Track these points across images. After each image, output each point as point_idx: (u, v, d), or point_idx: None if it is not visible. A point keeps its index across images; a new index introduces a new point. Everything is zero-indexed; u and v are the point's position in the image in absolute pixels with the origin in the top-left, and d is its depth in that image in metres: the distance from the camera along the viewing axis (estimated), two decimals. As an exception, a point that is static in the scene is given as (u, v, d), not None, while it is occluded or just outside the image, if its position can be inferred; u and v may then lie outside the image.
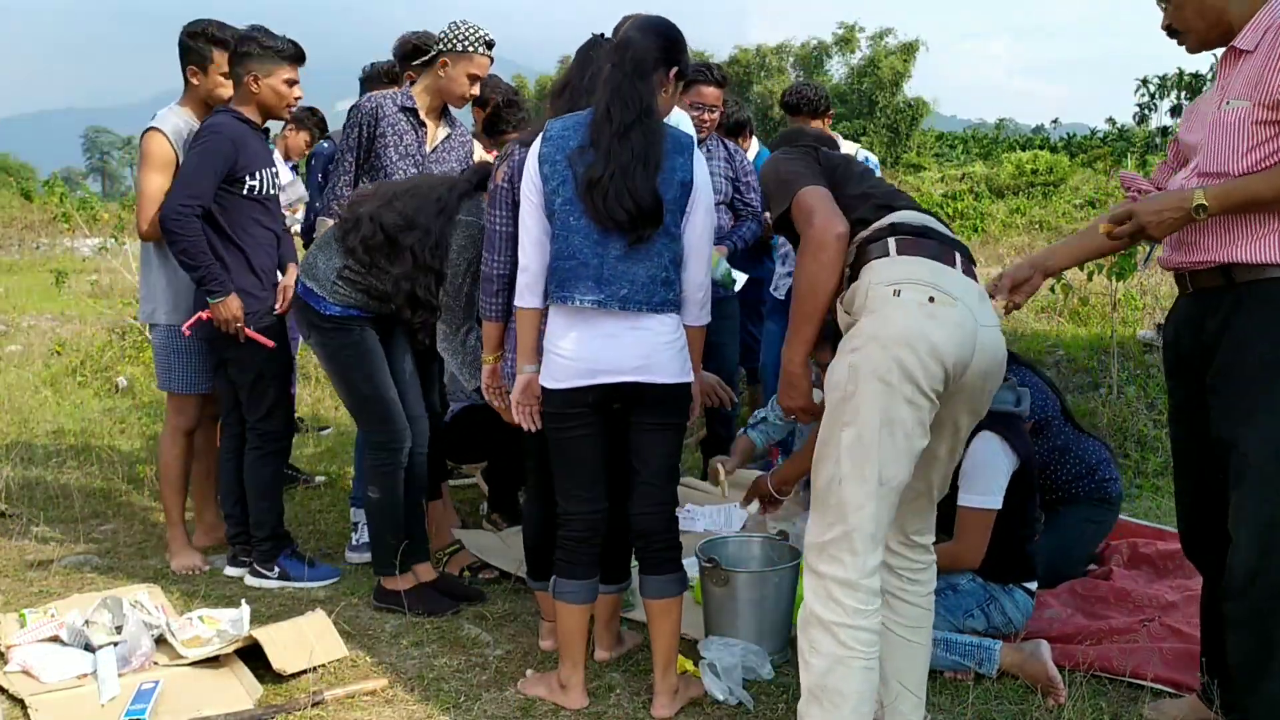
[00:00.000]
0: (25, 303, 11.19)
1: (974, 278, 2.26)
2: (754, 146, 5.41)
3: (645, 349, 2.61)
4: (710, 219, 2.72)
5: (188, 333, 3.54)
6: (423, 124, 3.76)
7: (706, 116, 4.49)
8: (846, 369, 2.13)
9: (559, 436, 2.72)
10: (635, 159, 2.54)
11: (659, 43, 2.64)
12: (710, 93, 4.48)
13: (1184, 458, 2.53)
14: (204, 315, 3.51)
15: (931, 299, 2.11)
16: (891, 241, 2.21)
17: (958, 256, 2.24)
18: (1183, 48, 2.42)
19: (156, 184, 3.65)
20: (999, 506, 2.97)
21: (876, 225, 2.27)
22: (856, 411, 2.10)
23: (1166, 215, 2.22)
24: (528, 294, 2.69)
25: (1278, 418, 2.19)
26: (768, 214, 2.64)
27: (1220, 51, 2.40)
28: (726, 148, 4.75)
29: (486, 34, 3.73)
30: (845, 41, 31.53)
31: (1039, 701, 2.72)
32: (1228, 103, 2.25)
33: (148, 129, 3.75)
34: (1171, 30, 2.38)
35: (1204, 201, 2.17)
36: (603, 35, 2.94)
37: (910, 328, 2.09)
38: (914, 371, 2.08)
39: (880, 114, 29.40)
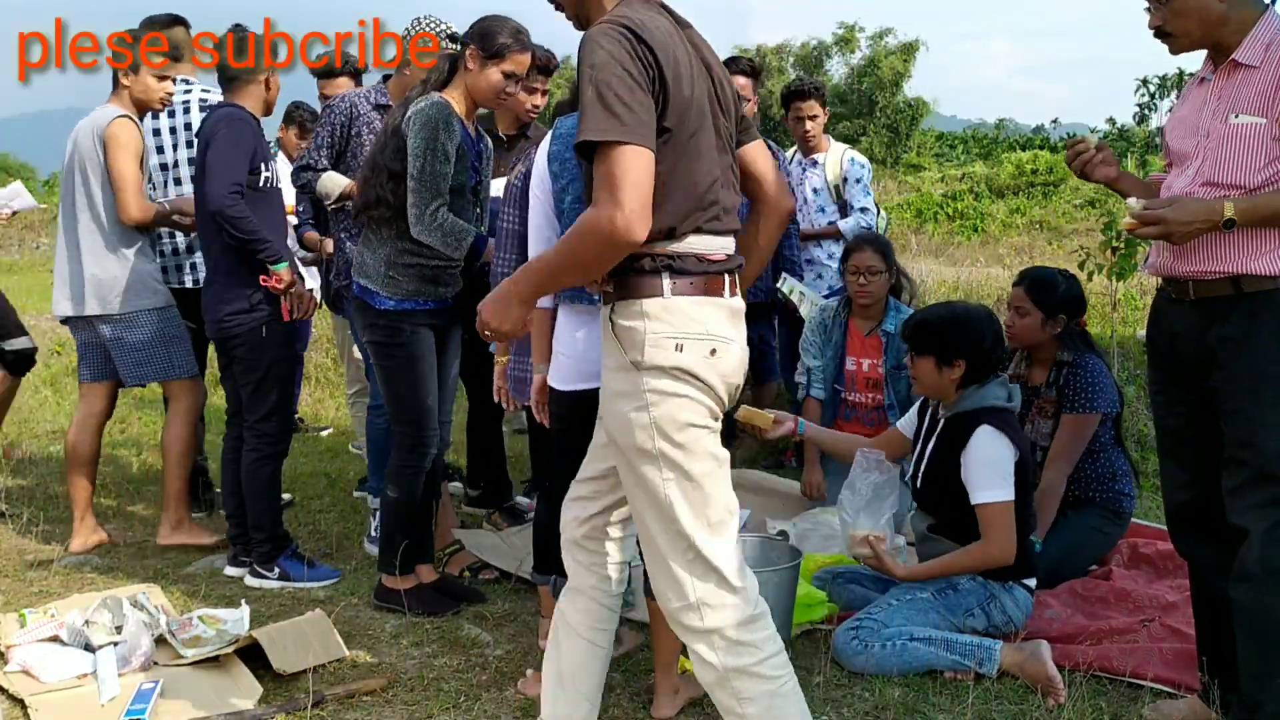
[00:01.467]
0: (25, 303, 11.15)
1: (737, 292, 2.10)
2: (829, 144, 5.17)
3: None
4: None
5: (269, 283, 3.53)
6: None
7: None
8: (649, 426, 1.99)
9: (566, 441, 2.72)
10: None
11: None
12: (740, 84, 4.41)
13: (1180, 455, 2.55)
14: (271, 282, 3.52)
15: (713, 350, 2.01)
16: (665, 281, 1.98)
17: (726, 280, 2.05)
18: (1167, 48, 2.44)
19: (134, 170, 3.84)
20: (1011, 497, 2.98)
21: (659, 250, 1.99)
22: (676, 464, 2.00)
23: (1195, 227, 2.27)
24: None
25: None
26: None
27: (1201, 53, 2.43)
28: (770, 147, 4.70)
29: (449, 27, 3.73)
30: (845, 41, 31.48)
31: (1039, 701, 2.72)
32: (1236, 116, 2.30)
33: (119, 116, 3.87)
34: (1161, 31, 2.40)
35: (1233, 216, 2.24)
36: None
37: (702, 380, 2.00)
38: (715, 410, 2.03)
39: (880, 114, 29.34)
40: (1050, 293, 3.55)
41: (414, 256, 3.24)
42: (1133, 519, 3.87)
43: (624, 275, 2.00)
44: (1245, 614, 2.33)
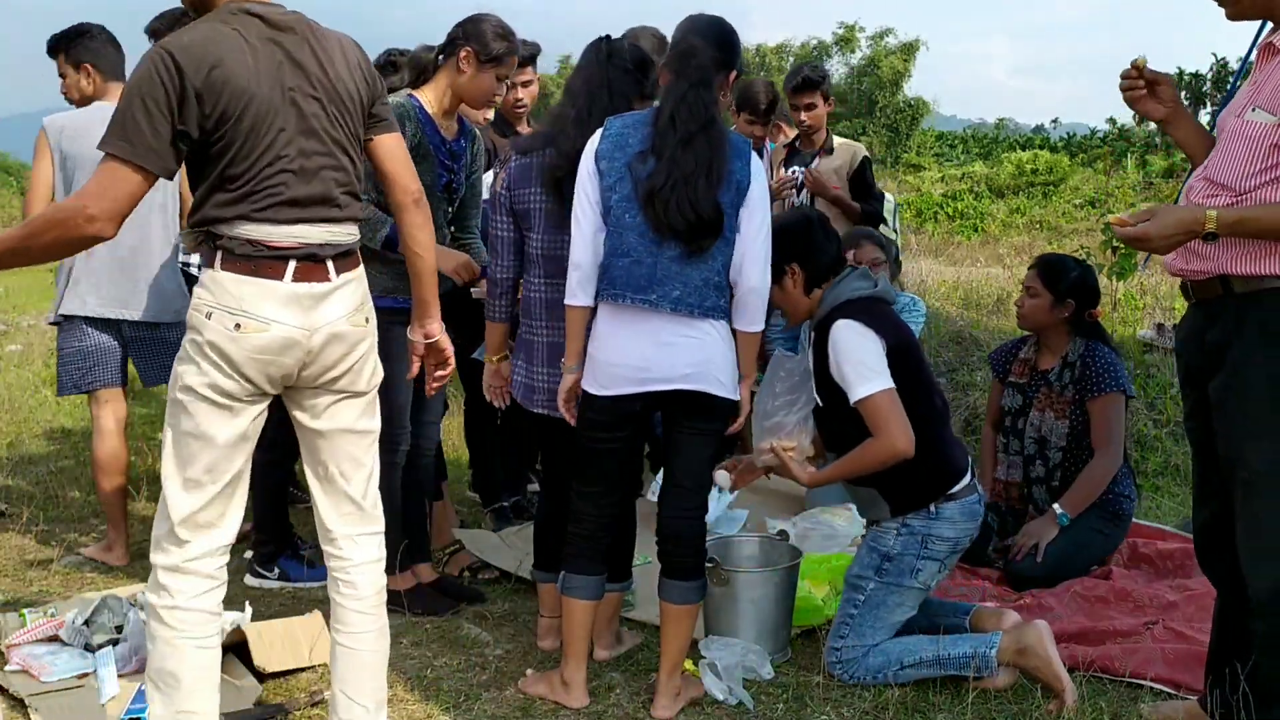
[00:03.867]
0: (25, 302, 11.19)
1: (325, 276, 2.24)
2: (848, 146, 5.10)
3: (698, 356, 2.60)
4: (767, 221, 2.68)
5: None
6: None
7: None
8: (172, 375, 2.26)
9: (592, 445, 2.71)
10: (699, 168, 2.52)
11: (721, 48, 2.64)
12: (805, 102, 4.67)
13: (1198, 466, 2.47)
14: None
15: (238, 325, 2.17)
16: (219, 255, 2.20)
17: (290, 266, 2.20)
18: (1225, 12, 2.30)
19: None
20: (889, 384, 2.71)
21: (226, 230, 2.19)
22: (176, 417, 2.23)
23: (1176, 240, 2.16)
24: (580, 292, 2.64)
25: None
26: None
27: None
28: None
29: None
30: (845, 41, 31.43)
31: (1039, 701, 2.71)
32: (1254, 110, 2.16)
33: None
34: None
35: (1213, 229, 2.11)
36: (608, 38, 2.93)
37: (216, 352, 2.17)
38: (222, 384, 2.19)
39: (880, 114, 29.28)
40: (1061, 276, 3.57)
41: (393, 252, 3.17)
42: (1133, 519, 3.88)
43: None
44: (1266, 641, 2.23)
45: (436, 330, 2.54)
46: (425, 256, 2.46)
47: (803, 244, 2.89)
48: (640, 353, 2.59)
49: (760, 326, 2.72)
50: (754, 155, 2.67)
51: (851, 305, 2.81)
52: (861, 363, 2.73)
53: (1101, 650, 2.94)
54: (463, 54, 3.15)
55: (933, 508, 2.82)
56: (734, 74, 2.71)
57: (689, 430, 2.69)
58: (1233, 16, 2.29)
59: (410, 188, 2.40)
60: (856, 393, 2.72)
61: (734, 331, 2.71)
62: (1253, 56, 2.42)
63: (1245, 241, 2.16)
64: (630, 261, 2.57)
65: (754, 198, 2.63)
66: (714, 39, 2.63)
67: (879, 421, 2.70)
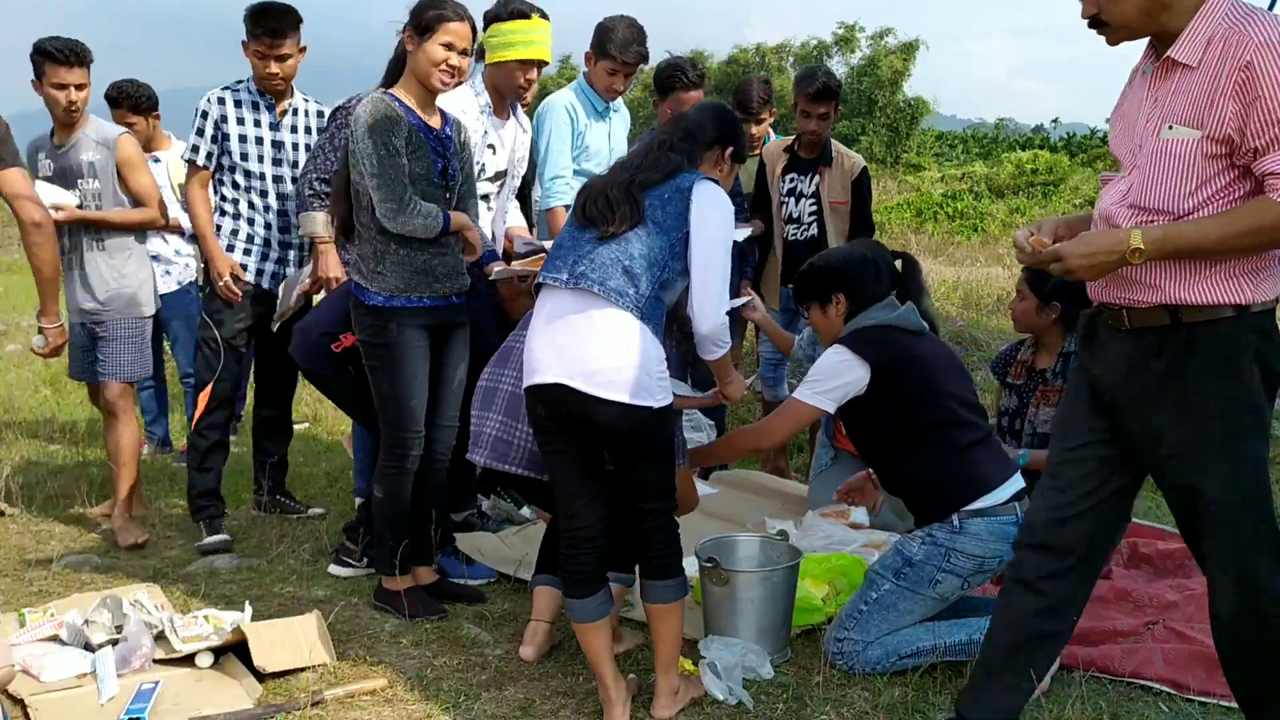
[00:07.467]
0: (25, 302, 11.18)
1: None
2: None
3: (589, 351, 2.51)
4: (718, 259, 2.59)
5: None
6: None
7: None
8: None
9: (539, 446, 2.72)
10: (624, 169, 2.68)
11: (715, 124, 2.78)
12: (690, 98, 4.37)
13: (1062, 481, 2.32)
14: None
15: None
16: None
17: None
18: (1104, 39, 2.14)
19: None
20: (817, 406, 2.93)
21: None
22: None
23: (1099, 260, 2.04)
24: None
25: (1242, 464, 2.08)
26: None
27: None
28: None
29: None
30: (845, 41, 31.35)
31: (1039, 701, 2.72)
32: (1170, 128, 2.04)
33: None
34: (1096, 21, 2.11)
35: (1141, 246, 2.00)
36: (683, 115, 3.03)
37: None
38: None
39: (880, 113, 29.21)
40: (1044, 280, 3.60)
41: (402, 249, 3.17)
42: (1133, 519, 3.88)
43: None
44: (1229, 658, 2.24)
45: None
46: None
47: (854, 276, 3.08)
48: (534, 340, 2.63)
49: (712, 356, 2.70)
50: (714, 192, 2.63)
51: (853, 334, 2.97)
52: (817, 376, 2.95)
53: (1101, 650, 2.95)
54: (404, 37, 3.21)
55: (956, 520, 2.84)
56: (730, 150, 2.80)
57: (620, 457, 2.62)
58: (1114, 42, 2.14)
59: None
60: (797, 391, 2.98)
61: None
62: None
63: (1194, 269, 2.04)
64: (554, 246, 2.71)
65: (705, 229, 2.58)
66: (710, 116, 2.82)
67: (778, 415, 3.04)
